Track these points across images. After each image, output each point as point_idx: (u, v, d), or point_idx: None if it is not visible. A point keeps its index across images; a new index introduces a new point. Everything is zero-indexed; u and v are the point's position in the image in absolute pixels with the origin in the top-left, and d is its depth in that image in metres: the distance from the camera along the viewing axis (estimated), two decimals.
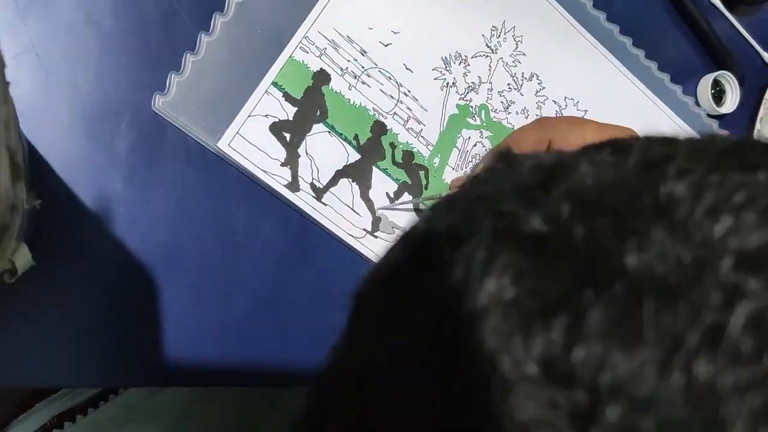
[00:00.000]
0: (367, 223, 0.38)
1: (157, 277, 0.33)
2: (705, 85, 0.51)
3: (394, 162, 0.39)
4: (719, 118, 0.51)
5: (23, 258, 0.28)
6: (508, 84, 0.43)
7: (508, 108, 0.43)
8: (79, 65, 0.33)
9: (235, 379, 0.36)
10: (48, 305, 0.32)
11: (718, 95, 0.51)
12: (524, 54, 0.43)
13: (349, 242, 0.38)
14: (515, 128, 0.43)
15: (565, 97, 0.45)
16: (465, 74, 0.42)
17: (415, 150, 0.40)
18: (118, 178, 0.33)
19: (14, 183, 0.25)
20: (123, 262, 0.33)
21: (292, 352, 0.36)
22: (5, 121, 0.22)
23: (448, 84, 0.41)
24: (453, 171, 0.41)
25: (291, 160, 0.37)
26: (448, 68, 0.41)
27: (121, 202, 0.33)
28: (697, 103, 0.50)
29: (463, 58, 0.42)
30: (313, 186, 0.37)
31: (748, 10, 0.54)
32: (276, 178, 0.36)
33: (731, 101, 0.51)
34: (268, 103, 0.36)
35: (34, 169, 0.31)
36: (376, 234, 0.39)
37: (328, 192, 0.37)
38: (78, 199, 0.32)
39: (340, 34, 0.38)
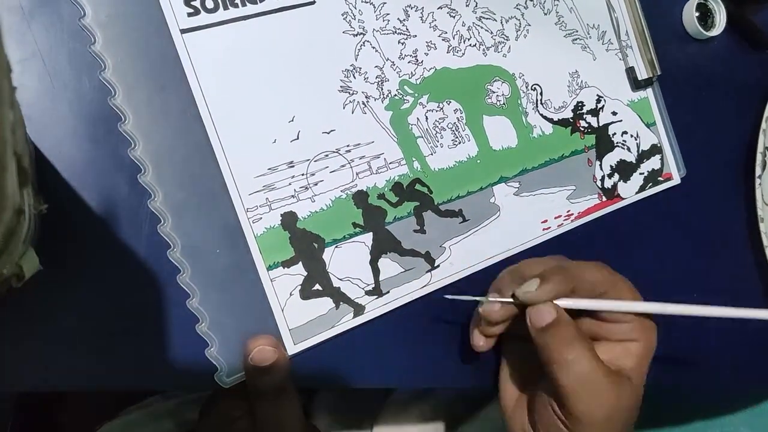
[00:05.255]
0: (423, 268, 0.40)
1: (165, 281, 0.34)
2: (690, 8, 0.48)
3: (393, 206, 0.39)
4: (707, 42, 0.50)
5: (31, 262, 0.28)
6: (399, 41, 0.40)
7: (417, 59, 0.41)
8: (85, 70, 0.33)
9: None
10: (55, 309, 0.32)
11: (704, 18, 0.49)
12: (388, 13, 0.40)
13: (420, 296, 0.40)
14: (439, 70, 0.41)
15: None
16: (366, 78, 0.39)
17: (396, 178, 0.39)
18: (125, 181, 0.34)
19: (21, 187, 0.25)
20: (130, 266, 0.34)
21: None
22: (12, 126, 0.22)
23: (364, 103, 0.39)
24: (432, 155, 0.41)
25: (337, 298, 0.37)
26: (350, 92, 0.38)
27: (128, 206, 0.34)
28: (684, 29, 0.49)
29: (350, 69, 0.39)
30: (369, 293, 0.38)
31: (757, 9, 0.51)
32: (342, 323, 0.37)
33: (719, 23, 0.49)
34: (281, 285, 0.36)
35: (41, 173, 0.32)
36: (437, 267, 0.40)
37: (380, 283, 0.38)
38: (85, 203, 0.33)
39: (262, 175, 0.36)
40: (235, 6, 0.35)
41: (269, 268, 0.36)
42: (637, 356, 0.36)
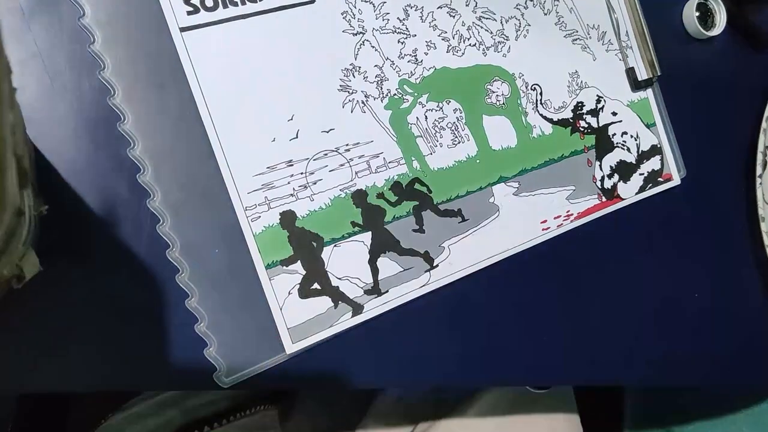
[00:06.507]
0: (422, 268, 0.40)
1: (164, 281, 0.34)
2: (690, 7, 0.49)
3: (393, 205, 0.39)
4: (707, 42, 0.50)
5: (31, 263, 0.28)
6: (398, 40, 0.40)
7: (417, 59, 0.41)
8: (85, 70, 0.33)
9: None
10: (55, 310, 0.32)
11: (704, 18, 0.50)
12: (388, 12, 0.40)
13: (419, 295, 0.40)
14: (438, 69, 0.41)
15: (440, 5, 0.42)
16: (365, 78, 0.39)
17: (395, 177, 0.39)
18: (124, 181, 0.34)
19: (21, 189, 0.25)
20: (130, 267, 0.34)
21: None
22: (12, 127, 0.22)
23: (363, 102, 0.39)
24: (431, 155, 0.41)
25: (336, 297, 0.37)
26: (350, 91, 0.38)
27: (127, 206, 0.34)
28: (684, 29, 0.50)
29: (349, 68, 0.39)
30: (367, 292, 0.38)
31: (757, 9, 0.52)
32: (340, 323, 0.37)
33: (719, 23, 0.50)
34: (280, 284, 0.36)
35: (41, 174, 0.32)
36: (436, 266, 0.40)
37: (379, 282, 0.38)
38: (84, 203, 0.33)
39: (261, 173, 0.36)
40: (235, 4, 0.35)
41: (268, 267, 0.36)
42: None
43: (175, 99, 0.34)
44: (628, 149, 0.48)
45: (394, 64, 0.40)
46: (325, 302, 0.37)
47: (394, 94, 0.40)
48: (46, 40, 0.33)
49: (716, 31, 0.51)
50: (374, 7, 0.39)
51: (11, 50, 0.32)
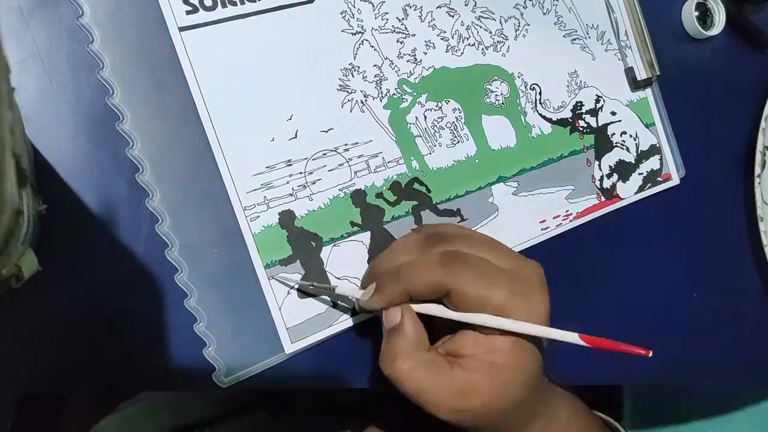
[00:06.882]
0: None
1: (163, 281, 0.34)
2: (689, 7, 0.49)
3: (392, 205, 0.39)
4: (706, 41, 0.50)
5: (29, 263, 0.28)
6: (397, 40, 0.40)
7: (416, 59, 0.41)
8: (83, 69, 0.33)
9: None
10: (54, 310, 0.32)
11: (703, 18, 0.50)
12: (387, 12, 0.40)
13: None
14: (438, 69, 0.41)
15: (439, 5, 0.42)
16: (364, 77, 0.39)
17: (394, 177, 0.39)
18: (123, 181, 0.34)
19: (20, 188, 0.25)
20: (129, 266, 0.34)
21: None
22: (11, 127, 0.22)
23: (362, 102, 0.39)
24: (430, 154, 0.41)
25: (335, 297, 0.37)
26: (349, 91, 0.38)
27: (126, 206, 0.34)
28: (684, 29, 0.50)
29: (348, 68, 0.39)
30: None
31: (755, 9, 0.52)
32: (339, 322, 0.37)
33: (718, 23, 0.50)
34: (279, 284, 0.36)
35: (40, 174, 0.32)
36: None
37: None
38: (83, 203, 0.33)
39: (260, 173, 0.36)
40: (234, 4, 0.35)
41: (267, 266, 0.36)
42: (503, 351, 0.32)
43: (173, 98, 0.34)
44: (627, 149, 0.48)
45: (393, 63, 0.40)
46: (323, 304, 0.37)
47: (393, 94, 0.40)
48: (45, 40, 0.33)
49: (715, 30, 0.51)
50: (373, 6, 0.39)
51: (10, 49, 0.32)
